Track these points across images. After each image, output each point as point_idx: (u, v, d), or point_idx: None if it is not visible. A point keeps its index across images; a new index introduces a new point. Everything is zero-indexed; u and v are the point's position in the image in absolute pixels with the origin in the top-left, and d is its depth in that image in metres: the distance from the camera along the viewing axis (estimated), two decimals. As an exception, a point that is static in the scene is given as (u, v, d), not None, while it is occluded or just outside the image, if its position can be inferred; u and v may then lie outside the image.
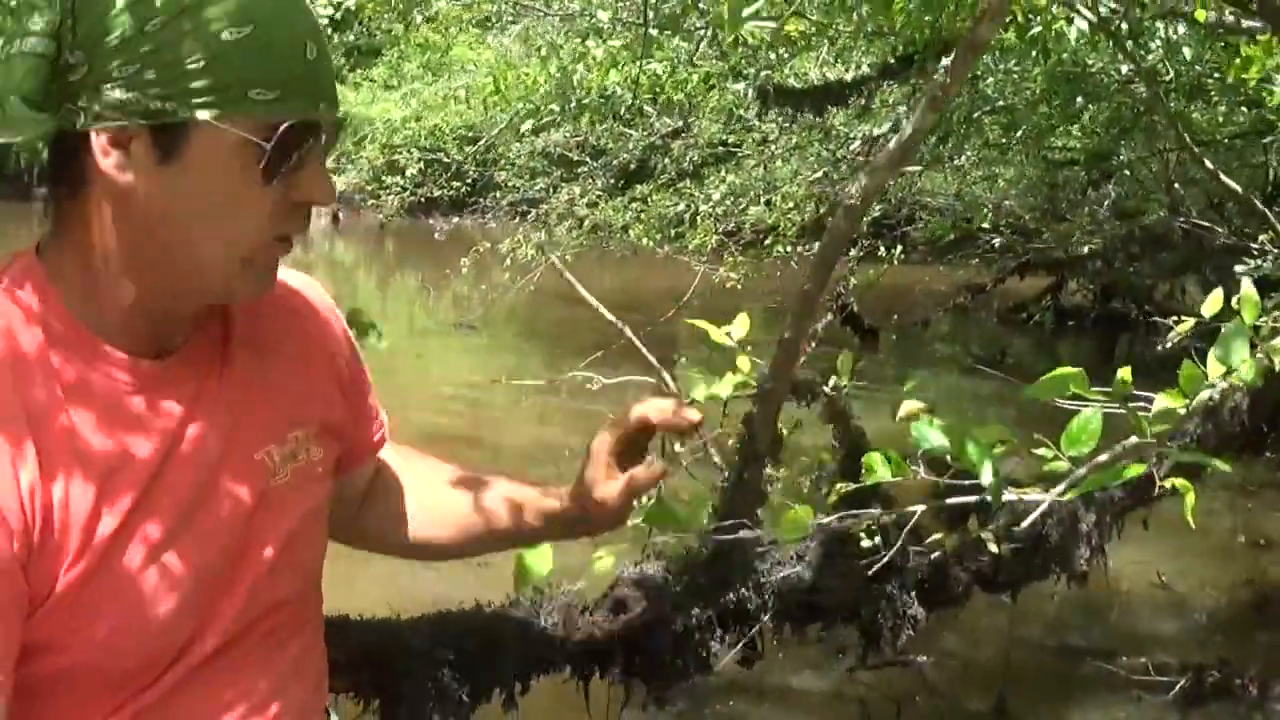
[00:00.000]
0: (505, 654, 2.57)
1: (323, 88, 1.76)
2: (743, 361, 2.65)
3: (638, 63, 8.02)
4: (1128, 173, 10.59)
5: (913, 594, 2.85)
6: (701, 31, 7.37)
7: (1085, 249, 12.68)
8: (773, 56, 7.83)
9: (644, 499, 2.42)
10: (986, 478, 1.93)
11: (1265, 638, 5.84)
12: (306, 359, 2.09)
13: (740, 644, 2.72)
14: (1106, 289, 14.75)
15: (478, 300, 14.15)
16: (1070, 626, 5.36)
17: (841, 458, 2.97)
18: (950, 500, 2.13)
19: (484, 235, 15.37)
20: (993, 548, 2.58)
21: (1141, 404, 2.11)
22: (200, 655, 1.87)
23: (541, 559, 2.62)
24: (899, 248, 11.96)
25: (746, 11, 2.62)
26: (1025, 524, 2.09)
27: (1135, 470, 1.92)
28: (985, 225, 11.06)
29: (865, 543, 2.42)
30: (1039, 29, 5.02)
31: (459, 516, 2.36)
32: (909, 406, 2.12)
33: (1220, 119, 9.00)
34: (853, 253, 11.65)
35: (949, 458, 2.00)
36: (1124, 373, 2.05)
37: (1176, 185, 10.92)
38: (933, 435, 1.99)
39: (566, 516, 2.31)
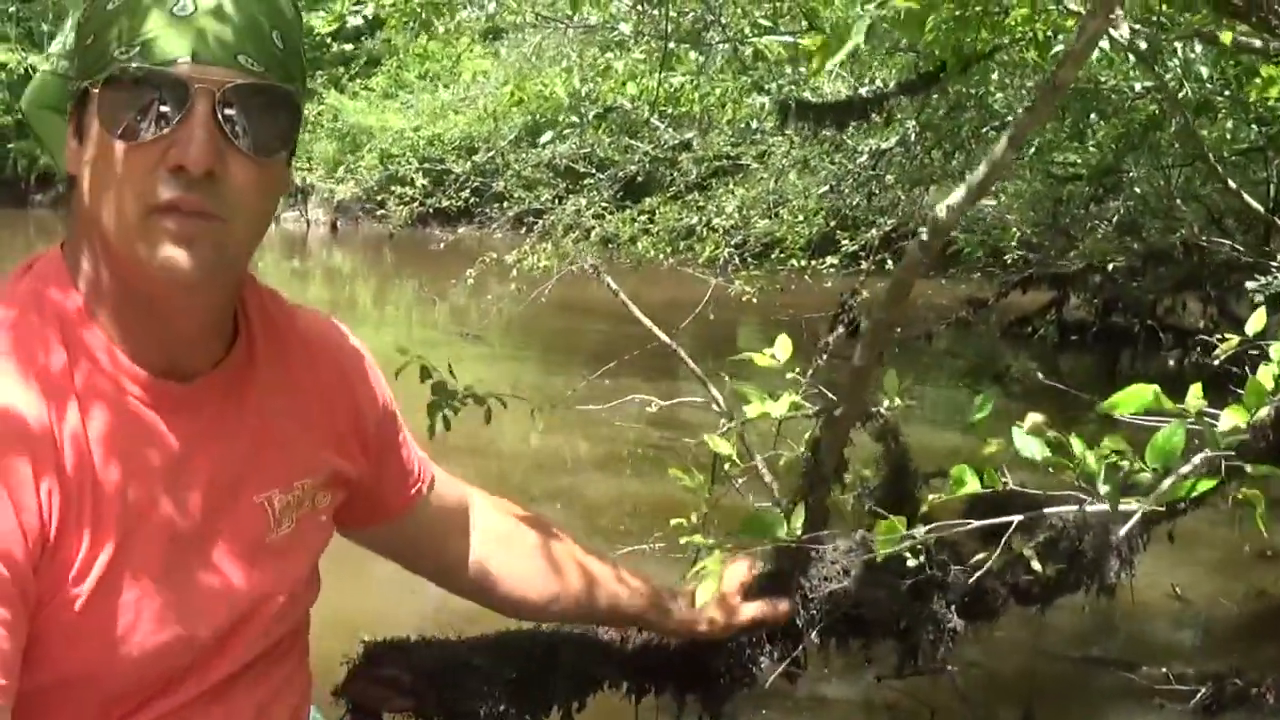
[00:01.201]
0: (564, 672, 2.59)
1: (192, 41, 1.69)
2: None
3: (657, 76, 8.03)
4: (1138, 190, 10.59)
5: (953, 608, 2.87)
6: (722, 46, 7.40)
7: (1087, 264, 12.69)
8: (795, 71, 7.86)
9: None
10: (1103, 486, 1.96)
11: (1276, 649, 5.88)
12: (328, 408, 2.10)
13: (788, 660, 2.75)
14: (1108, 304, 14.77)
15: (483, 310, 14.14)
16: (1090, 637, 5.39)
17: (885, 474, 2.99)
18: (1048, 510, 2.17)
19: (483, 246, 15.35)
20: (1036, 565, 2.61)
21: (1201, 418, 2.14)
22: (198, 687, 1.90)
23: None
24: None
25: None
26: (1122, 532, 2.12)
27: (1208, 484, 1.97)
28: (1014, 242, 11.07)
29: (911, 562, 2.44)
30: (1061, 47, 5.05)
31: (570, 592, 2.51)
32: (1034, 419, 2.14)
33: (1227, 135, 9.01)
34: (863, 266, 11.67)
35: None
36: (1195, 389, 2.08)
37: (1179, 201, 10.95)
38: (1031, 445, 2.02)
39: (674, 616, 2.60)
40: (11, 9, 30.23)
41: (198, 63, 1.69)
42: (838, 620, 2.76)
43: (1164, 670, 4.71)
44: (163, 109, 1.69)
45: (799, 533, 2.36)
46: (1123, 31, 2.46)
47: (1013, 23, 4.47)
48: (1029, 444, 2.05)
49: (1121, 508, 2.07)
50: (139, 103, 1.69)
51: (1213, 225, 11.51)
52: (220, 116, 1.70)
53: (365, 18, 7.97)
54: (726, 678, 2.72)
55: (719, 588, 2.44)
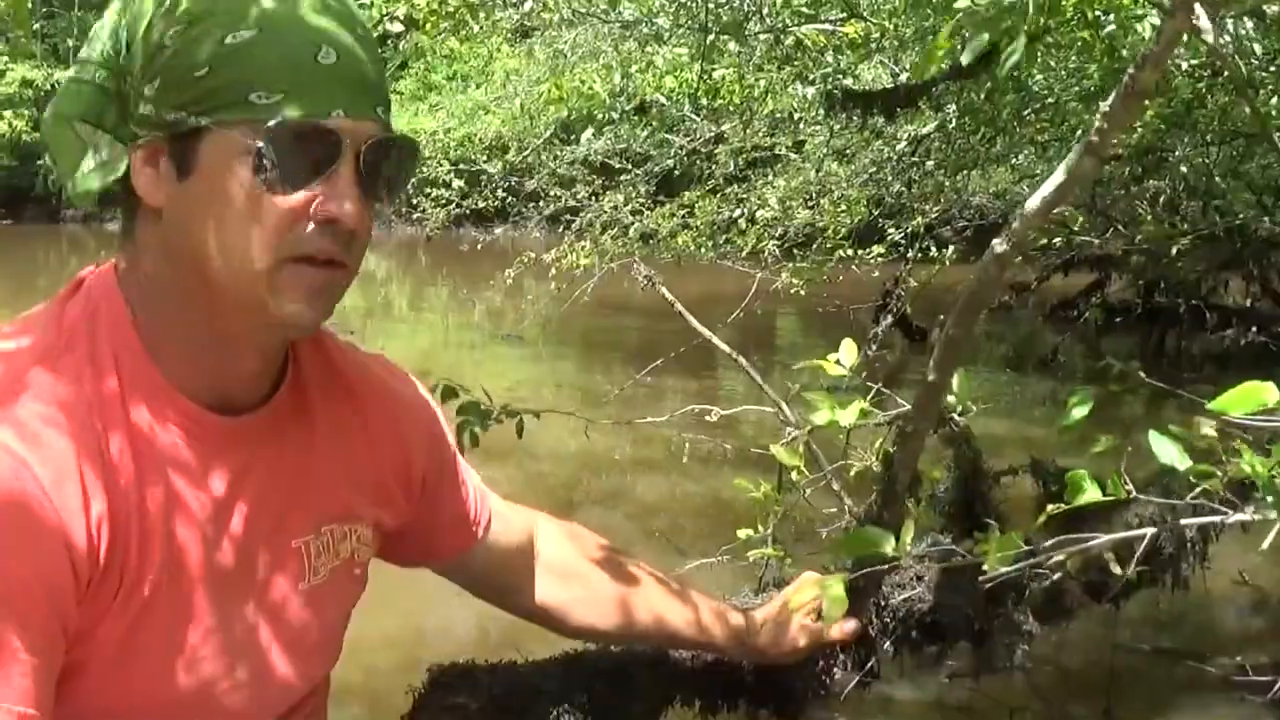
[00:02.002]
0: (636, 691, 2.54)
1: (342, 93, 1.69)
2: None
3: (698, 68, 7.99)
4: (1184, 169, 10.49)
5: (1029, 611, 2.81)
6: (763, 37, 7.36)
7: (1129, 244, 12.62)
8: (838, 60, 7.81)
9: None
10: (1269, 498, 1.87)
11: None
12: (374, 454, 2.07)
13: (863, 672, 2.69)
14: (1151, 284, 14.66)
15: (520, 310, 14.13)
16: (1160, 628, 5.30)
17: (956, 477, 2.92)
18: (1191, 521, 2.08)
19: (518, 246, 15.33)
20: (1116, 569, 2.52)
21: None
22: None
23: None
24: (950, 248, 11.89)
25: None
26: (1265, 545, 2.02)
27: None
28: (1076, 229, 10.97)
29: (989, 567, 2.35)
30: (1114, 26, 4.98)
31: (638, 621, 2.49)
32: (1204, 425, 2.02)
33: (1273, 111, 8.92)
34: (910, 254, 11.60)
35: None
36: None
37: (1219, 179, 10.85)
38: (1170, 451, 1.92)
39: (744, 641, 2.58)
40: (36, 26, 30.37)
41: (348, 116, 1.69)
42: (912, 628, 2.71)
43: (1238, 660, 4.62)
44: (311, 160, 1.68)
45: (908, 549, 2.27)
46: (1204, 26, 2.34)
47: (1070, 2, 4.39)
48: (1166, 449, 1.94)
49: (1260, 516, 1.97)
50: (290, 153, 1.67)
51: (1257, 204, 11.42)
52: (363, 169, 1.71)
53: (401, 21, 7.93)
54: (800, 691, 2.66)
55: (841, 611, 2.35)
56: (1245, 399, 1.87)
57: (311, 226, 1.70)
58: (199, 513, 1.77)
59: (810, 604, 2.58)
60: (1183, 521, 2.16)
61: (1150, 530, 2.14)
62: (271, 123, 1.64)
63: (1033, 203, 2.25)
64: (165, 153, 1.71)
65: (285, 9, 1.67)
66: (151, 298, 1.77)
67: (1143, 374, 2.47)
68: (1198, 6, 2.12)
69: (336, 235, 1.71)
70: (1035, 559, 2.13)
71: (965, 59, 2.48)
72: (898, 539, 2.32)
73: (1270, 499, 1.88)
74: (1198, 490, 1.97)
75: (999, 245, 2.29)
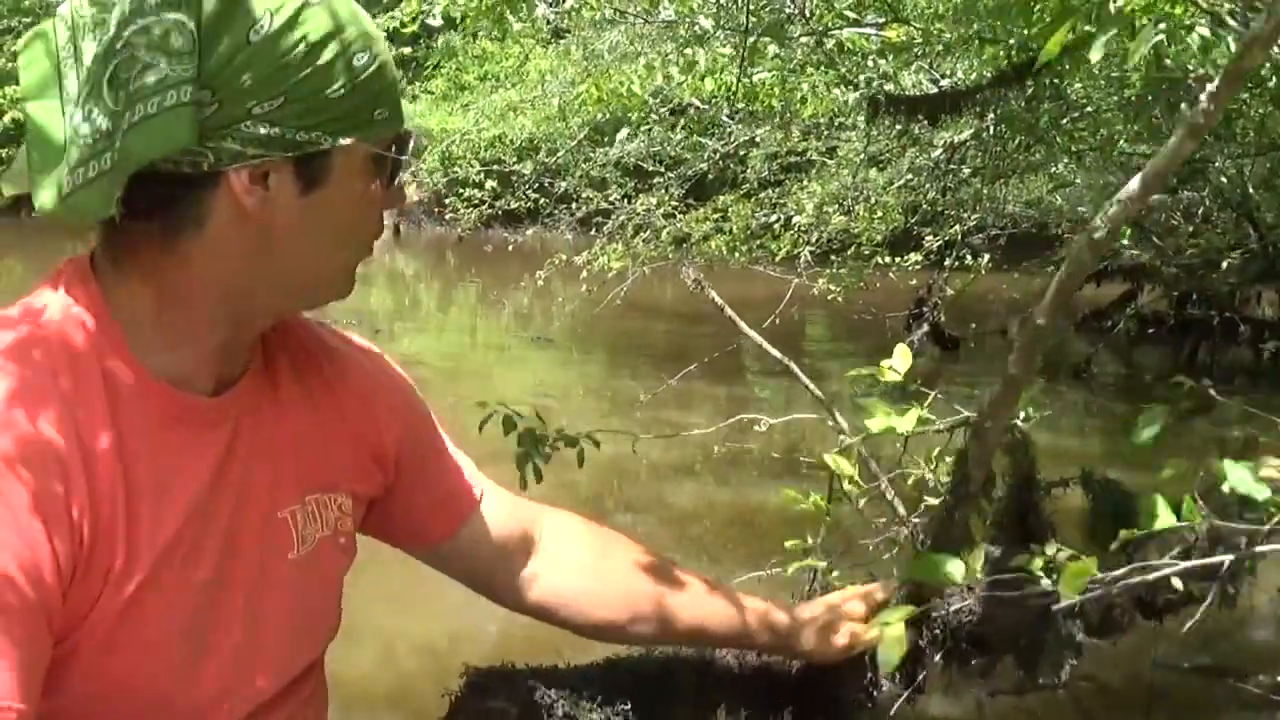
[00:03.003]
0: (679, 696, 2.49)
1: (403, 107, 1.90)
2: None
3: (738, 71, 7.97)
4: (1224, 179, 10.46)
5: (1080, 625, 2.77)
6: (805, 40, 7.33)
7: (1162, 255, 12.58)
8: (882, 64, 7.78)
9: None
10: None
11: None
12: (347, 425, 2.10)
13: (911, 686, 2.65)
14: (1183, 296, 14.62)
15: (549, 312, 14.12)
16: (1199, 644, 5.25)
17: (1010, 488, 2.87)
18: (1268, 549, 2.04)
19: (548, 247, 15.32)
20: (1177, 584, 2.47)
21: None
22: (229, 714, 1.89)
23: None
24: (985, 257, 11.87)
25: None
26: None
27: None
28: (1126, 241, 10.94)
29: (1045, 583, 2.30)
30: (1161, 36, 4.92)
31: (649, 612, 2.45)
32: (1273, 464, 1.98)
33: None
34: (946, 262, 11.57)
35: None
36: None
37: (1253, 190, 10.81)
38: (1247, 480, 1.88)
39: (786, 637, 2.51)
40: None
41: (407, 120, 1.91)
42: (960, 641, 2.66)
43: (1278, 679, 4.58)
44: (401, 163, 1.89)
45: (979, 574, 2.22)
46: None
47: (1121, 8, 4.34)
48: (1243, 478, 1.89)
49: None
50: (392, 160, 1.87)
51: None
52: None
53: (440, 16, 7.94)
54: (847, 702, 2.62)
55: (900, 655, 2.31)
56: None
57: (380, 218, 1.94)
58: (184, 495, 1.78)
59: (863, 607, 2.55)
60: (1257, 549, 2.10)
61: (1228, 558, 2.09)
62: (408, 136, 1.88)
63: (1132, 185, 2.19)
64: (284, 171, 1.74)
65: (370, 27, 1.80)
66: (177, 302, 1.79)
67: (1214, 393, 2.42)
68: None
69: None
70: (1106, 587, 2.08)
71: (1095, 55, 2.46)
72: (963, 548, 2.28)
73: None
74: (1277, 519, 1.92)
75: (1096, 230, 2.23)
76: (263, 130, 1.69)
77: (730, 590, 2.52)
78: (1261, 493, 1.87)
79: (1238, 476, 1.89)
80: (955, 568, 2.18)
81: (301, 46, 1.68)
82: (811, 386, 3.52)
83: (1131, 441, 2.11)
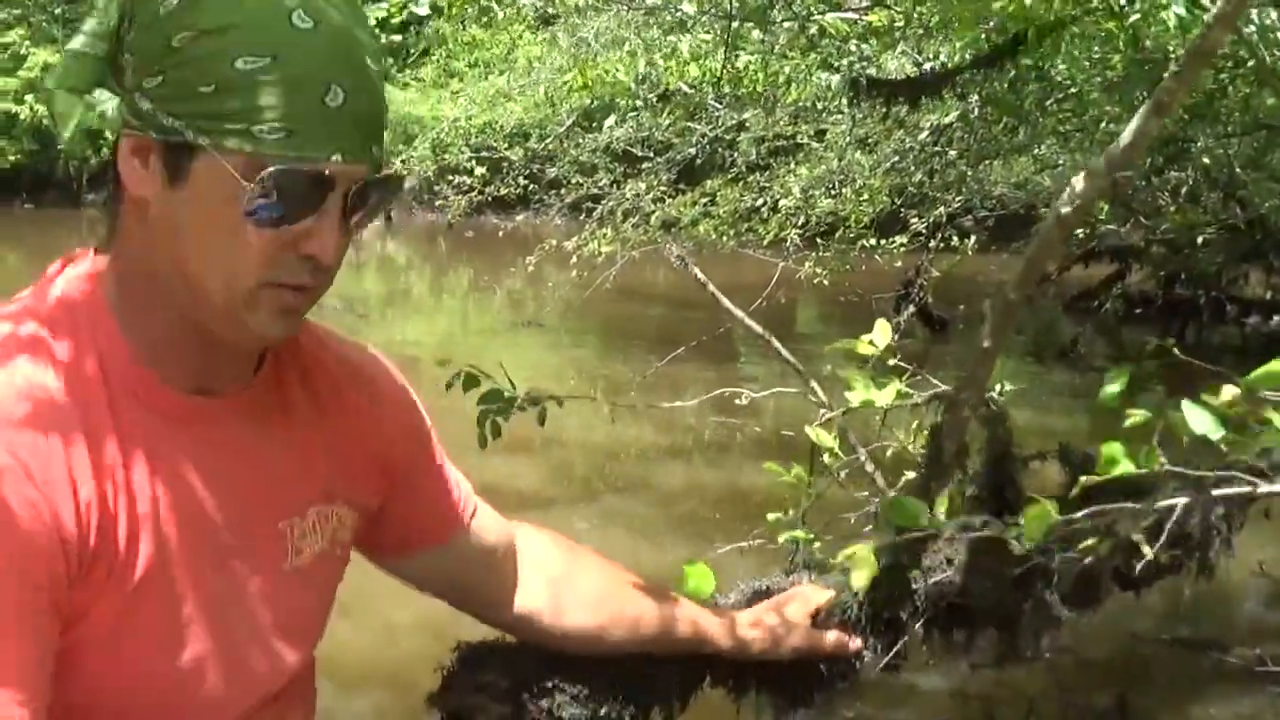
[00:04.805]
0: (668, 670, 2.53)
1: (344, 138, 1.69)
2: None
3: (723, 55, 7.99)
4: (1206, 160, 10.48)
5: (1058, 596, 2.81)
6: (788, 25, 7.36)
7: (1149, 235, 12.60)
8: (863, 48, 7.81)
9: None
10: None
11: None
12: (353, 436, 2.08)
13: (890, 654, 2.69)
14: (1170, 276, 14.65)
15: (541, 297, 14.13)
16: (1179, 618, 5.30)
17: (986, 461, 2.92)
18: (1223, 492, 2.08)
19: (538, 234, 15.32)
20: (1146, 550, 2.52)
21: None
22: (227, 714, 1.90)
23: (704, 578, 2.61)
24: (971, 238, 11.90)
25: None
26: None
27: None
28: (1112, 225, 10.97)
29: (1017, 549, 2.36)
30: (1138, 16, 4.98)
31: (621, 629, 2.46)
32: (1230, 392, 2.00)
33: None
34: (932, 244, 11.60)
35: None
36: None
37: (1240, 170, 10.83)
38: (1204, 421, 1.91)
39: (732, 640, 2.53)
40: (58, 10, 30.36)
41: (344, 160, 1.70)
42: (941, 611, 2.70)
43: (1257, 651, 4.63)
44: (302, 200, 1.69)
45: (943, 519, 2.28)
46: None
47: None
48: (1201, 419, 1.93)
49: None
50: (279, 190, 1.67)
51: (1278, 195, 11.40)
52: (348, 207, 1.74)
53: (427, 4, 7.94)
54: (828, 674, 2.66)
55: (869, 578, 2.37)
56: (1275, 375, 1.88)
57: (292, 258, 1.73)
58: (185, 496, 1.78)
59: (815, 606, 2.59)
60: (1214, 493, 2.14)
61: (1183, 500, 2.14)
62: (271, 169, 1.65)
63: (1098, 162, 2.24)
64: (157, 153, 1.71)
65: (305, 39, 1.66)
66: (130, 285, 1.79)
67: (1178, 351, 2.46)
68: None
69: (315, 268, 1.75)
70: (1070, 528, 2.13)
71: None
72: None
73: None
74: (1230, 459, 1.96)
75: (1063, 207, 2.28)
76: (144, 105, 1.69)
77: (686, 601, 2.55)
78: (1217, 431, 1.91)
79: (1195, 417, 1.92)
80: (927, 514, 2.24)
81: (189, 31, 1.64)
82: (792, 360, 3.56)
83: (1099, 400, 2.15)
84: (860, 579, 2.35)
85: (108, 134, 1.80)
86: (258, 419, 1.91)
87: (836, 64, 8.18)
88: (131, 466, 1.72)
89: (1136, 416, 2.08)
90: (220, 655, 1.85)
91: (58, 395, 1.67)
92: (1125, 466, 1.98)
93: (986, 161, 11.28)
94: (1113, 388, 2.14)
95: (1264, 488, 2.01)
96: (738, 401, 3.82)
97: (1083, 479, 2.10)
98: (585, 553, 2.56)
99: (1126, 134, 2.18)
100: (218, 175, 1.66)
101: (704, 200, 12.00)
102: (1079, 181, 2.24)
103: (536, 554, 2.45)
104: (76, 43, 1.77)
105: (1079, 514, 2.15)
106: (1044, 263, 2.35)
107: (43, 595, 1.61)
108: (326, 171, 1.68)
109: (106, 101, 1.76)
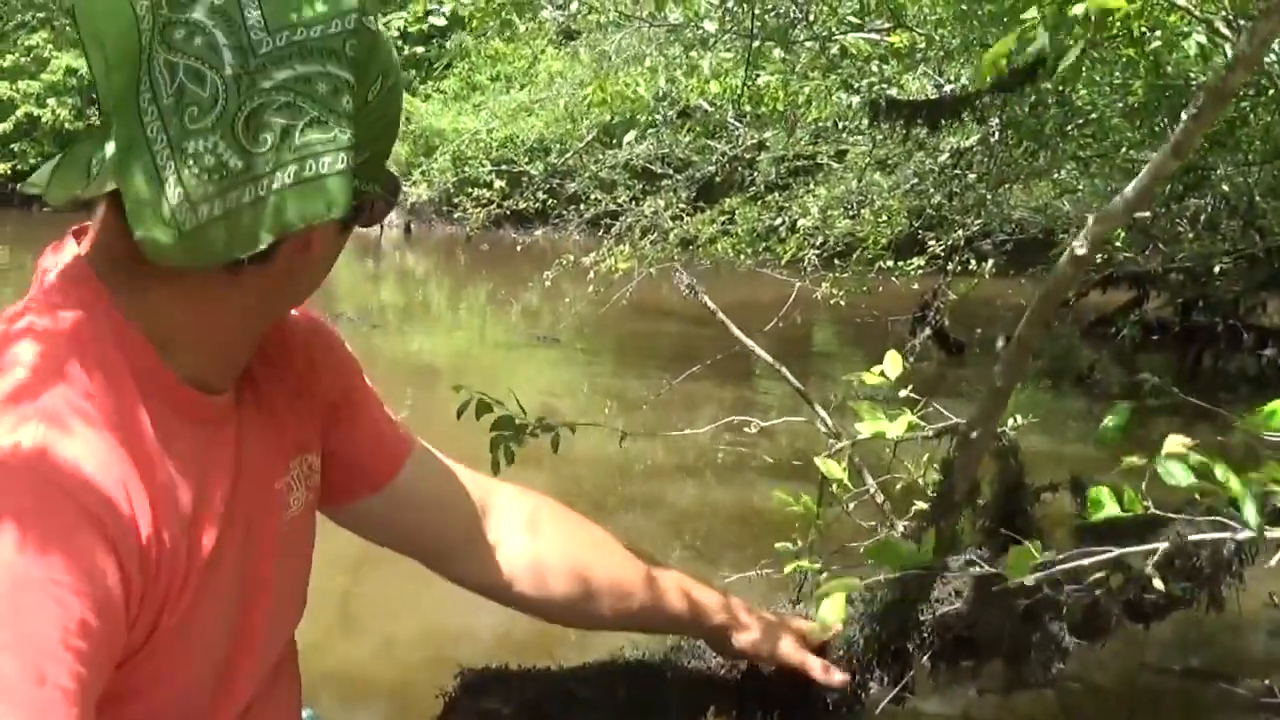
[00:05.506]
0: (670, 698, 2.52)
1: None
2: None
3: (744, 74, 7.99)
4: (1225, 188, 10.45)
5: (1066, 628, 2.80)
6: (810, 45, 7.34)
7: (1168, 262, 12.58)
8: (884, 69, 7.80)
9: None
10: (1250, 515, 1.86)
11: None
12: (303, 385, 2.08)
13: (898, 687, 2.68)
14: (1188, 303, 14.62)
15: (557, 312, 14.14)
16: (1188, 648, 5.28)
17: (999, 491, 2.91)
18: (1199, 537, 2.08)
19: (557, 249, 15.33)
20: (1158, 584, 2.51)
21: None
22: (241, 701, 1.90)
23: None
24: (989, 262, 11.90)
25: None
26: (1272, 562, 2.02)
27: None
28: (1119, 244, 10.94)
29: (1028, 582, 2.35)
30: (1159, 44, 4.96)
31: (603, 590, 2.41)
32: (1175, 442, 2.02)
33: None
34: (949, 267, 11.59)
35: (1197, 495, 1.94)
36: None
37: (1259, 199, 10.80)
38: (1176, 470, 1.92)
39: (722, 628, 2.49)
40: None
41: None
42: (948, 642, 2.69)
43: (1267, 683, 4.61)
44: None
45: (930, 559, 2.27)
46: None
47: (1116, 19, 4.37)
48: (1174, 469, 1.93)
49: (1272, 535, 1.96)
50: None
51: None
52: None
53: (445, 16, 7.95)
54: (835, 704, 2.65)
55: (838, 618, 2.34)
56: (1271, 418, 1.87)
57: None
58: (217, 497, 1.77)
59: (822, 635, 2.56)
60: (1190, 538, 2.14)
61: (1163, 545, 2.13)
62: (378, 185, 1.79)
63: (1115, 203, 2.23)
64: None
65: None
66: (172, 307, 1.73)
67: (1176, 390, 2.46)
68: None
69: None
70: (1054, 569, 2.13)
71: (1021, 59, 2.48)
72: (952, 549, 2.33)
73: (1254, 519, 1.88)
74: (1204, 507, 1.98)
75: (1078, 247, 2.27)
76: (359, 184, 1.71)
77: (681, 575, 2.50)
78: (1186, 479, 1.91)
79: (1168, 469, 1.93)
80: (911, 551, 2.23)
81: (372, 94, 1.68)
82: (802, 389, 3.55)
83: (1098, 438, 2.16)
84: (830, 614, 2.33)
85: None
86: (244, 395, 1.91)
87: (856, 85, 8.16)
88: (175, 484, 1.68)
89: (1131, 461, 2.08)
90: (247, 641, 1.86)
91: (99, 422, 1.60)
92: (1112, 509, 1.99)
93: (1006, 185, 11.23)
94: (1112, 423, 2.14)
95: (1240, 535, 2.00)
96: (747, 430, 3.81)
97: (1077, 522, 2.13)
98: (575, 517, 2.50)
99: (1144, 175, 2.16)
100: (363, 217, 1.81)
101: (722, 219, 12.01)
102: (1094, 223, 2.23)
103: (518, 514, 2.40)
104: (328, 159, 1.65)
105: (1059, 556, 2.15)
106: (1058, 300, 2.34)
107: (104, 641, 1.54)
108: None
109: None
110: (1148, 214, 11.51)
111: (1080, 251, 2.26)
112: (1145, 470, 2.00)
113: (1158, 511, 2.01)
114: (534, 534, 2.38)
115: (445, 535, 2.34)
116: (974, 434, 2.51)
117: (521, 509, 2.41)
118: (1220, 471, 1.90)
